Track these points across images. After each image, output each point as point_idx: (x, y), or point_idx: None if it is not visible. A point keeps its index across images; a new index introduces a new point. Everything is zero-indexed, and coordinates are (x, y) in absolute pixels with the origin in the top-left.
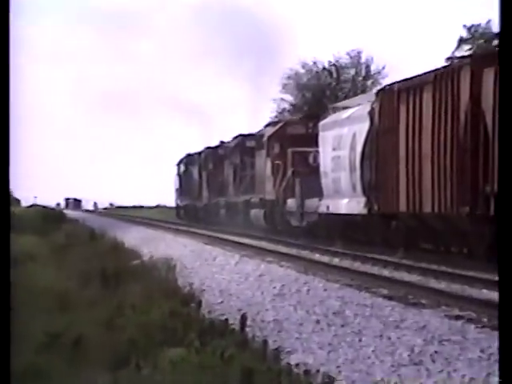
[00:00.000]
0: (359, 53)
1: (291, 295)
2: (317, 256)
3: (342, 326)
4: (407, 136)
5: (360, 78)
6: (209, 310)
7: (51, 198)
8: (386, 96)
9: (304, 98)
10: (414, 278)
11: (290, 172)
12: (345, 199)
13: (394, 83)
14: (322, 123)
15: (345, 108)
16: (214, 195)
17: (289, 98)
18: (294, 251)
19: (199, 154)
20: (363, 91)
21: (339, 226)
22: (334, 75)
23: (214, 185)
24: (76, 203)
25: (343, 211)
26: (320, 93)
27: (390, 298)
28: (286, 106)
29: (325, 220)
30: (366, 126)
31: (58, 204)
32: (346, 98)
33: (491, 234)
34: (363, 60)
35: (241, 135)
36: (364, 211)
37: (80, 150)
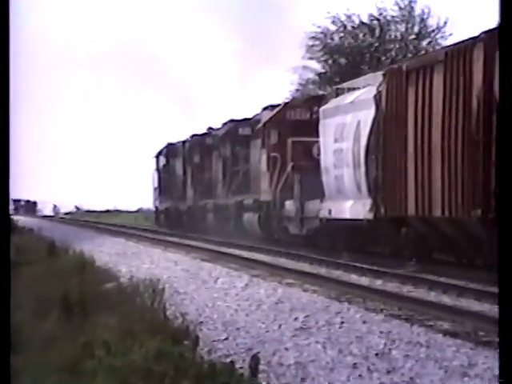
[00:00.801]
0: (411, 2)
1: (319, 329)
2: (353, 277)
3: (388, 372)
4: (416, 126)
5: (412, 37)
6: (209, 350)
7: None
8: (393, 77)
9: (335, 65)
10: (485, 307)
11: (289, 167)
12: (349, 201)
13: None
14: (322, 108)
15: (350, 90)
16: (200, 196)
17: (314, 65)
18: (322, 271)
19: (183, 143)
20: (416, 54)
21: (344, 235)
22: (377, 33)
23: (201, 183)
24: (29, 207)
25: (347, 216)
26: (357, 57)
27: (452, 334)
28: (311, 75)
29: (327, 227)
30: (371, 113)
31: None
32: (392, 62)
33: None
34: (417, 13)
35: (232, 120)
36: (369, 216)
37: (35, 137)
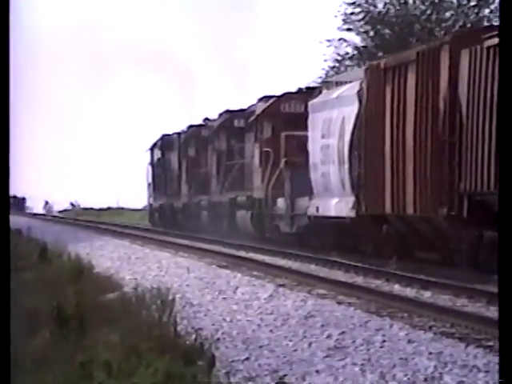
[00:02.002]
0: None
1: (356, 349)
2: (396, 288)
3: None
4: (392, 124)
5: (472, 3)
6: (227, 372)
7: None
8: (373, 74)
9: (378, 37)
10: None
11: (282, 163)
12: (334, 199)
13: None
14: (311, 103)
15: (338, 84)
16: (195, 192)
17: (353, 37)
18: (359, 280)
19: (179, 135)
20: (476, 25)
21: (331, 233)
22: None
23: (196, 178)
24: (16, 203)
25: (332, 214)
26: (405, 28)
27: None
28: (350, 50)
29: (316, 225)
30: (355, 109)
31: None
32: (445, 34)
33: (468, 237)
34: None
35: (228, 111)
36: (352, 213)
37: (24, 124)
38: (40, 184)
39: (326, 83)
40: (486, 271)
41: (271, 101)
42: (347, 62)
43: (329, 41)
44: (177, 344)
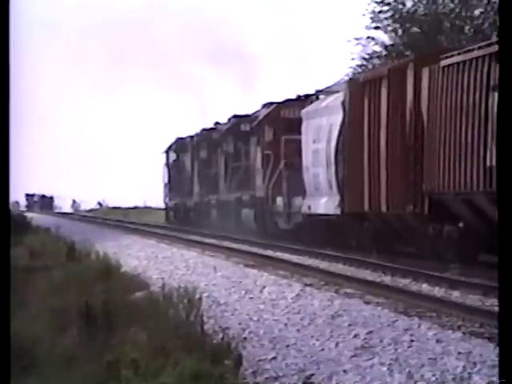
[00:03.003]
0: None
1: (383, 349)
2: (424, 287)
3: None
4: (369, 131)
5: None
6: (253, 371)
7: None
8: (353, 87)
9: (406, 36)
10: None
11: (282, 164)
12: (323, 198)
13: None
14: (304, 111)
15: (329, 94)
16: (205, 192)
17: (381, 35)
18: (387, 279)
19: (191, 138)
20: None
21: (322, 229)
22: None
23: (207, 179)
24: (45, 202)
25: (321, 211)
26: (434, 25)
27: None
28: (378, 48)
29: (308, 221)
30: (339, 117)
31: (17, 203)
32: (476, 33)
33: (431, 232)
34: None
35: (235, 116)
36: (338, 211)
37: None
38: (68, 183)
39: (320, 92)
40: (446, 261)
41: (272, 107)
42: (375, 61)
43: (357, 39)
44: (204, 343)
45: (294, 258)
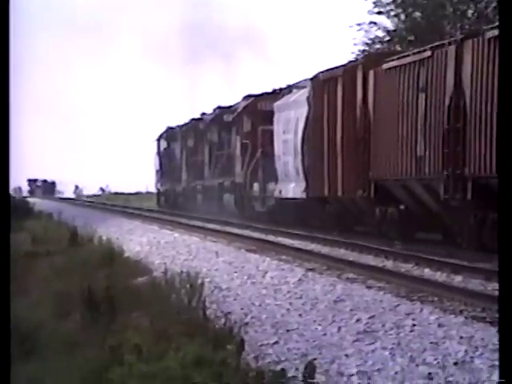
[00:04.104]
0: None
1: (385, 333)
2: (426, 272)
3: None
4: (328, 125)
5: None
6: (256, 356)
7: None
8: (316, 84)
9: (409, 21)
10: None
11: (259, 153)
12: (292, 183)
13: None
14: (276, 104)
15: (299, 88)
16: (192, 178)
17: (384, 20)
18: (389, 264)
19: (181, 127)
20: None
21: (292, 211)
22: None
23: (193, 166)
24: (47, 187)
25: (290, 195)
26: (437, 10)
27: None
28: (380, 33)
29: (280, 204)
30: (305, 111)
31: (19, 188)
32: (478, 18)
33: (378, 213)
34: None
35: (219, 107)
36: (304, 195)
37: (55, 112)
38: (71, 169)
39: (291, 87)
40: (388, 238)
41: (251, 100)
42: (377, 46)
43: (359, 24)
44: (206, 328)
45: (296, 243)
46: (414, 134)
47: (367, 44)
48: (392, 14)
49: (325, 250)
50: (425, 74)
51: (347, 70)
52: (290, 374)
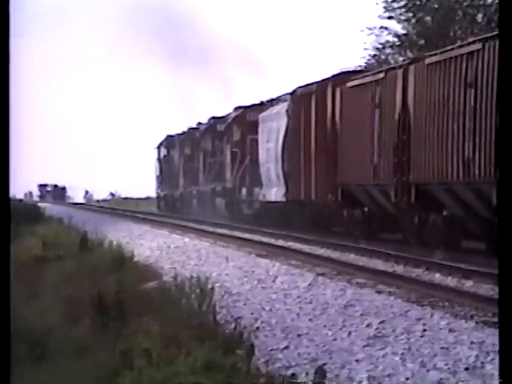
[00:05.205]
0: None
1: (396, 338)
2: (437, 277)
3: None
4: (304, 135)
5: None
6: (266, 360)
7: (18, 184)
8: (294, 98)
9: (419, 25)
10: None
11: (247, 160)
12: (274, 188)
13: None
14: (261, 115)
15: (282, 101)
16: (189, 184)
17: (394, 25)
18: (399, 269)
19: (179, 135)
20: None
21: (274, 213)
22: None
23: (190, 172)
24: (57, 192)
25: (272, 199)
26: (447, 15)
27: None
28: (391, 38)
29: (264, 207)
30: (285, 122)
31: (30, 193)
32: (489, 22)
33: (345, 215)
34: None
35: (213, 118)
36: (284, 199)
37: (64, 118)
38: (81, 174)
39: (276, 100)
40: (354, 238)
41: (240, 111)
42: (388, 51)
43: (370, 29)
44: (216, 333)
45: (306, 248)
46: (372, 145)
47: (378, 49)
48: (402, 18)
49: (335, 254)
50: (379, 93)
51: (319, 87)
52: (300, 379)
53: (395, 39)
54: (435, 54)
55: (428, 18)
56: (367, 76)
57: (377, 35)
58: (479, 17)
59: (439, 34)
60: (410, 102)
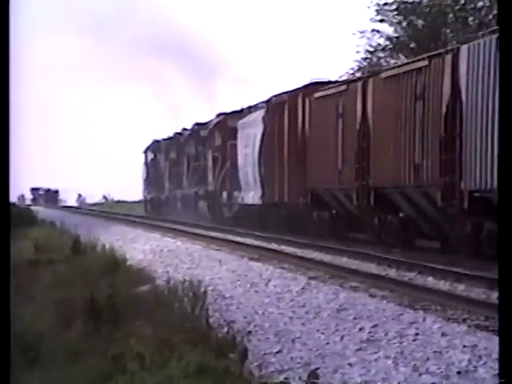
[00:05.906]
0: None
1: (389, 342)
2: (430, 280)
3: None
4: (278, 142)
5: None
6: (259, 364)
7: (11, 188)
8: (269, 106)
9: (410, 28)
10: None
11: (228, 165)
12: (251, 191)
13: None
14: (239, 122)
15: (259, 109)
16: (173, 187)
17: (386, 28)
18: (392, 273)
19: (165, 140)
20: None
21: (252, 215)
22: None
23: (175, 176)
24: (50, 196)
25: (250, 202)
26: (438, 18)
27: None
28: (382, 41)
29: (243, 210)
30: (261, 129)
31: (23, 197)
32: (480, 26)
33: (315, 217)
34: None
35: (197, 124)
36: (260, 201)
37: (57, 120)
38: (73, 177)
39: (254, 107)
40: (326, 238)
41: (222, 117)
42: (380, 54)
43: (361, 32)
44: (209, 336)
45: (299, 252)
46: (336, 152)
47: (369, 52)
48: (394, 21)
49: (327, 258)
50: (342, 103)
51: (291, 96)
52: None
53: (387, 42)
54: (391, 69)
55: (419, 21)
56: (332, 88)
57: (368, 38)
58: (470, 20)
59: (431, 36)
60: (369, 113)
